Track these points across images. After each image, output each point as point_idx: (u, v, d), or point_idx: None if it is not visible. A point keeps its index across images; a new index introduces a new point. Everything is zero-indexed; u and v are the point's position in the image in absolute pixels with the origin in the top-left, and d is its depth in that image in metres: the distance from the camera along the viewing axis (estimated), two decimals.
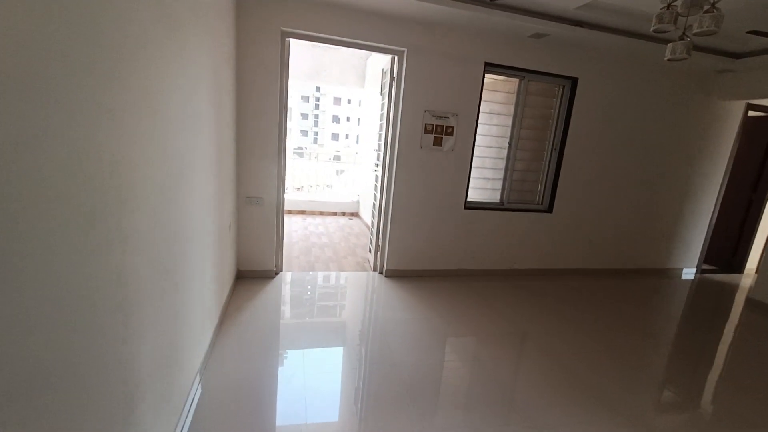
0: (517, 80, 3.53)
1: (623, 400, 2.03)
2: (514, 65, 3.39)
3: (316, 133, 43.79)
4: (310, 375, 2.02)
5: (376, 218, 3.68)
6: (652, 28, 1.92)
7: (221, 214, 2.32)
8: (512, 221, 3.80)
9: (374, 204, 3.89)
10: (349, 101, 42.97)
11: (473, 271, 3.80)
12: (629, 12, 2.78)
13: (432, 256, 3.63)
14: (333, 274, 3.55)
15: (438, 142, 3.33)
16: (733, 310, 3.73)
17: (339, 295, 3.19)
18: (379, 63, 5.04)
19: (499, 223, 3.76)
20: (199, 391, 1.78)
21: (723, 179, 4.52)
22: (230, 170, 2.65)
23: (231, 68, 2.53)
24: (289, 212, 6.02)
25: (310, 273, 3.50)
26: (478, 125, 3.45)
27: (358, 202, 6.49)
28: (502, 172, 3.74)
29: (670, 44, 1.97)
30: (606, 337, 2.78)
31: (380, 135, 3.68)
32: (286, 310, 2.76)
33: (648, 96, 3.92)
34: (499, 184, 3.77)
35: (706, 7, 1.79)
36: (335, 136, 43.74)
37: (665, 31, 1.90)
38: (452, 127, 3.33)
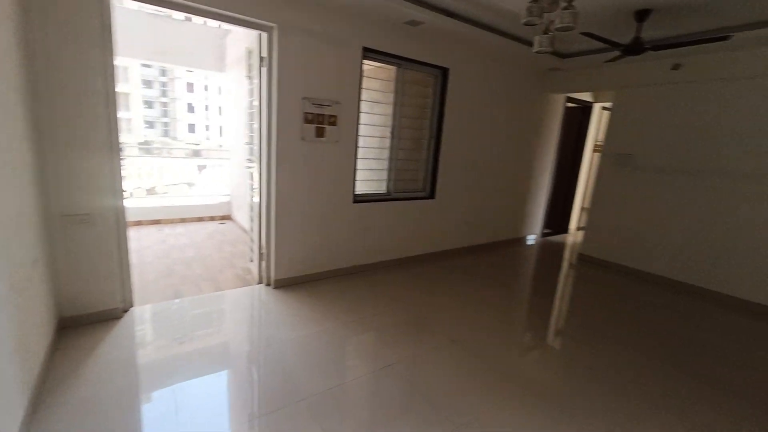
0: (394, 68, 3.46)
1: (497, 353, 2.18)
2: (392, 52, 3.30)
3: (166, 125, 37.59)
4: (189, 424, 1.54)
5: (256, 222, 3.18)
6: (522, 21, 2.01)
7: (12, 249, 1.55)
8: (400, 210, 3.80)
9: (252, 205, 3.36)
10: (206, 87, 38.08)
11: (369, 265, 3.68)
12: (495, 8, 2.94)
13: (325, 257, 3.34)
14: (207, 297, 2.92)
15: (321, 132, 3.01)
16: (569, 263, 4.56)
17: (218, 322, 2.62)
18: (241, 42, 4.37)
19: (389, 214, 3.71)
20: None
21: (554, 159, 5.48)
22: (26, 182, 1.82)
23: (10, 32, 1.69)
24: (139, 223, 4.84)
25: (176, 301, 2.79)
26: (361, 114, 3.27)
27: (229, 203, 5.67)
28: (387, 162, 3.67)
29: (536, 37, 2.11)
30: (484, 302, 3.10)
31: (252, 126, 3.16)
32: (143, 357, 2.10)
33: (504, 89, 4.39)
34: (384, 175, 3.70)
35: (563, 5, 1.95)
36: (192, 128, 38.38)
37: (533, 24, 2.01)
38: (335, 117, 3.06)
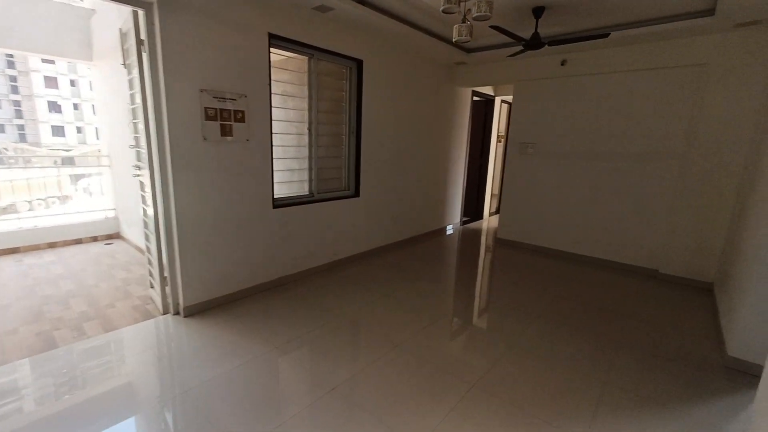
0: (306, 58, 3.19)
1: (438, 350, 2.16)
2: (302, 40, 3.02)
3: (22, 128, 30.91)
4: None
5: (153, 241, 2.65)
6: (441, 8, 1.95)
7: None
8: (325, 212, 3.56)
9: (146, 220, 2.81)
10: (72, 82, 32.14)
11: (297, 275, 3.38)
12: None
13: (245, 272, 2.96)
14: (96, 340, 2.33)
15: (227, 131, 2.62)
16: (488, 247, 4.85)
17: (111, 370, 2.08)
18: (112, 22, 3.63)
19: (314, 216, 3.45)
20: None
21: (466, 151, 5.77)
22: None
23: None
24: None
25: (47, 353, 2.17)
26: (273, 109, 2.94)
27: (116, 218, 4.76)
28: (306, 161, 3.40)
29: (456, 26, 2.07)
30: (417, 296, 3.10)
31: (136, 125, 2.61)
32: None
33: (418, 82, 4.42)
34: (305, 175, 3.42)
35: None
36: (60, 131, 32.19)
37: (452, 12, 1.96)
38: (242, 112, 2.69)
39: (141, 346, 2.29)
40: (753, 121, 3.21)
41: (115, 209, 4.79)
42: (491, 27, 2.82)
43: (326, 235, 3.61)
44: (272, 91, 2.89)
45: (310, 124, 3.31)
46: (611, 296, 3.30)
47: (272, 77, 2.87)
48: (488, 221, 6.54)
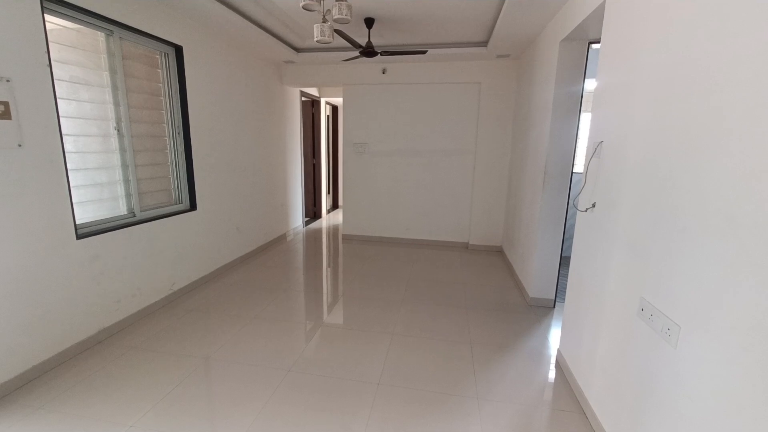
0: (102, 35, 2.40)
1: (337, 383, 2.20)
2: (94, 10, 2.25)
3: None
4: None
5: None
6: (302, 4, 1.83)
7: None
8: (154, 234, 2.83)
9: None
10: None
11: (123, 321, 2.56)
12: None
13: (43, 339, 2.03)
14: None
15: None
16: (337, 244, 4.99)
17: None
18: None
19: (138, 242, 2.69)
20: None
21: (301, 150, 5.70)
22: None
23: None
24: None
25: None
26: (59, 101, 2.09)
27: None
28: (119, 170, 2.60)
29: (317, 25, 1.99)
30: (284, 312, 2.89)
31: None
32: None
33: (247, 78, 4.05)
34: (119, 189, 2.61)
35: None
36: None
37: (312, 9, 1.88)
38: (5, 104, 1.80)
39: None
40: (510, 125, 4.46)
41: None
42: (335, 31, 2.85)
43: (158, 264, 2.88)
44: (55, 76, 2.04)
45: (118, 122, 2.53)
46: (444, 270, 3.96)
47: (52, 57, 2.03)
48: (327, 219, 6.68)
